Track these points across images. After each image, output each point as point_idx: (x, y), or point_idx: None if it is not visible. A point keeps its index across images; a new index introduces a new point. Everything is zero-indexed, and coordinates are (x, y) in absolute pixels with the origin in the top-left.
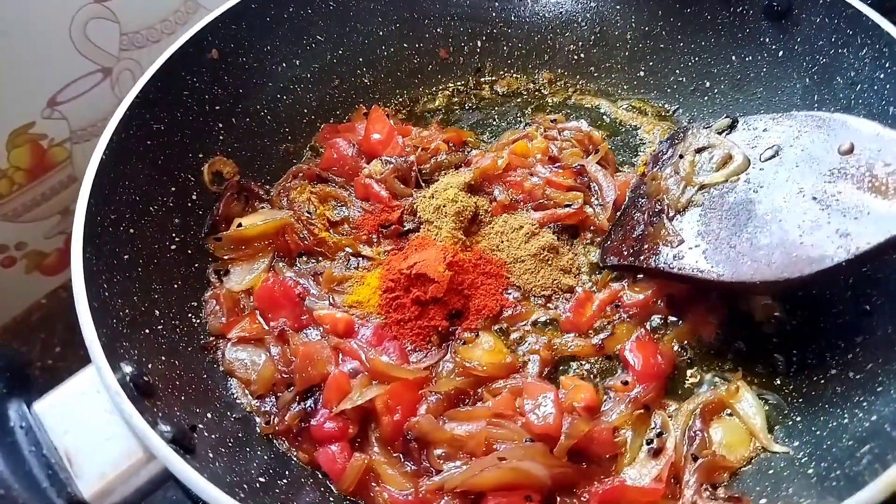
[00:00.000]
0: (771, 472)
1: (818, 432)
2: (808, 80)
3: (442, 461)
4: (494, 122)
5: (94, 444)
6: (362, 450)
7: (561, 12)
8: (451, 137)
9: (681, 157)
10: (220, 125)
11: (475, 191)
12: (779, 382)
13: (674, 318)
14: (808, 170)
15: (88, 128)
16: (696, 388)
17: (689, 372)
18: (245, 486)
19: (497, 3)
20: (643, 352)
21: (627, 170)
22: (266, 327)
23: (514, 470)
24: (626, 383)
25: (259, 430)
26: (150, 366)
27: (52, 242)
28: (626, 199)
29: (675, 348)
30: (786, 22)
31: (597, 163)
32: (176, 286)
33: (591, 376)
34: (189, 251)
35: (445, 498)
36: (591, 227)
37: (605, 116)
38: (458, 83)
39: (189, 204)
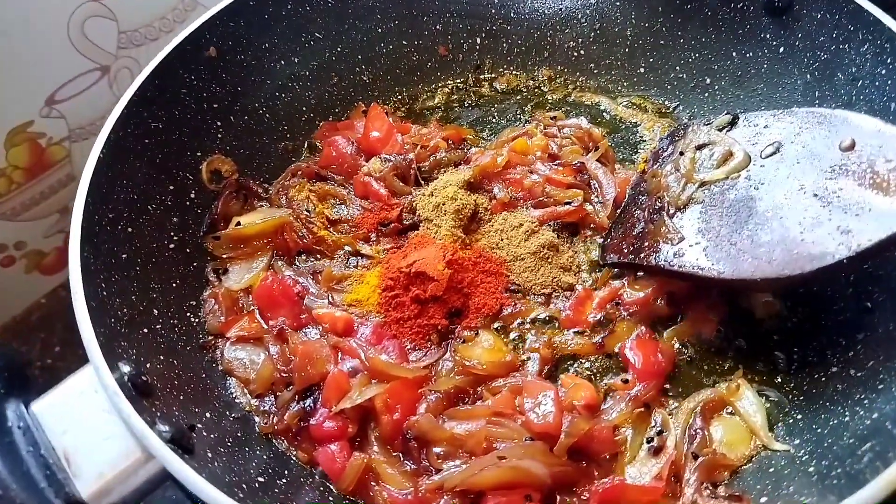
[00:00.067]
0: (772, 470)
1: (819, 430)
2: (809, 76)
3: (441, 460)
4: (494, 120)
5: (93, 444)
6: (362, 449)
7: (560, 9)
8: (450, 135)
9: (681, 154)
10: (219, 123)
11: (475, 188)
12: (780, 380)
13: (674, 316)
14: (809, 166)
15: (87, 126)
16: (697, 386)
17: (689, 370)
18: (244, 485)
19: (496, 0)
20: (643, 350)
21: (628, 167)
22: (265, 326)
23: (514, 469)
24: (626, 381)
25: (258, 430)
26: (148, 365)
27: (51, 241)
28: (627, 196)
29: (676, 346)
30: (787, 18)
31: (597, 160)
32: (174, 285)
33: (592, 375)
34: (187, 250)
35: (445, 497)
36: (592, 225)
37: (605, 113)
38: (458, 80)
39: (187, 202)
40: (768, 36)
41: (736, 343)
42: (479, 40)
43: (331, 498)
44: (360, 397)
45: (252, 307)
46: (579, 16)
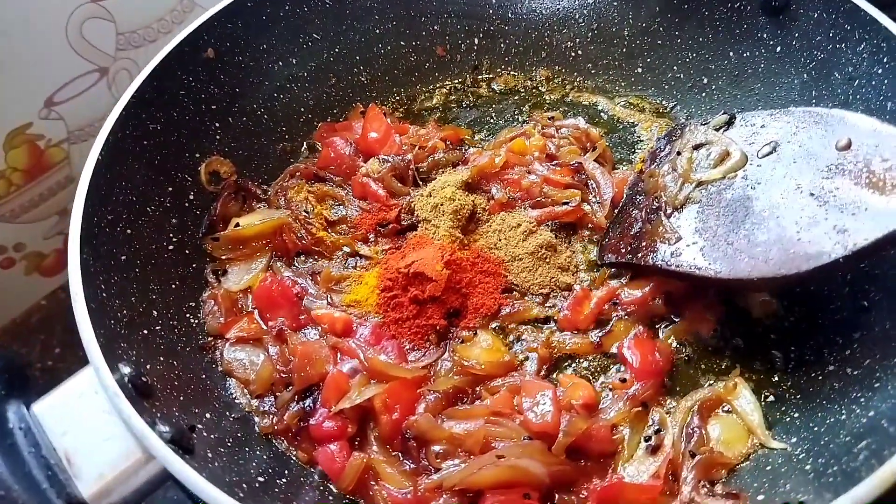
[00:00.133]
0: (769, 468)
1: (816, 428)
2: (805, 75)
3: (440, 459)
4: (492, 120)
5: (93, 445)
6: (361, 449)
7: (558, 9)
8: (448, 135)
9: (678, 153)
10: (217, 124)
11: (473, 189)
12: (777, 379)
13: (672, 316)
14: (806, 166)
15: (86, 128)
16: (694, 385)
17: (687, 369)
18: (244, 485)
19: (494, 0)
20: (641, 349)
21: (625, 167)
22: (264, 327)
23: (513, 468)
24: (624, 381)
25: (258, 430)
26: (148, 366)
27: (50, 243)
28: (624, 196)
29: (674, 345)
30: (783, 17)
31: (594, 160)
32: (174, 286)
33: (590, 374)
34: (187, 251)
35: (444, 496)
36: (589, 225)
37: (602, 113)
38: (456, 81)
39: (186, 204)
40: (765, 35)
41: (733, 342)
42: (476, 41)
43: (331, 497)
44: (360, 397)
45: (251, 308)
46: (577, 16)
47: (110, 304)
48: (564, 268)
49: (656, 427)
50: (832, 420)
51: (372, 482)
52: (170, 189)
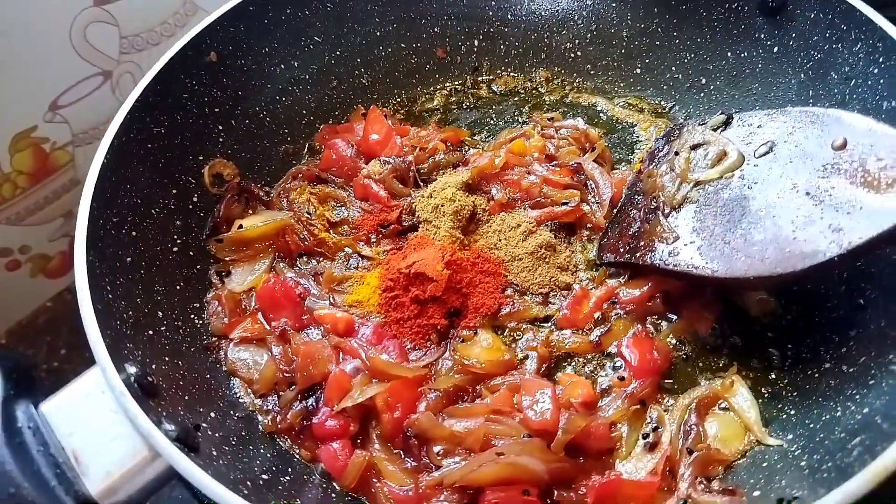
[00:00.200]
0: (765, 464)
1: (811, 425)
2: (802, 75)
3: (441, 457)
4: (492, 121)
5: (100, 444)
6: (363, 447)
7: (557, 10)
8: (448, 137)
9: (676, 154)
10: (220, 127)
11: (473, 190)
12: (774, 377)
13: (670, 315)
14: (802, 165)
15: (90, 131)
16: (692, 383)
17: (685, 367)
18: (248, 482)
19: (493, 2)
20: (640, 348)
21: (624, 167)
22: (268, 327)
23: (512, 465)
24: (622, 379)
25: (262, 429)
26: (153, 366)
27: (55, 245)
28: (623, 196)
29: (672, 344)
30: (781, 18)
31: (593, 160)
32: (178, 287)
33: (589, 372)
34: (191, 253)
35: (445, 493)
36: (588, 225)
37: (601, 114)
38: (456, 83)
39: (190, 206)
40: (762, 36)
41: (731, 340)
42: (476, 42)
43: (333, 495)
44: (362, 396)
45: (255, 309)
46: (576, 17)
47: (116, 305)
48: (564, 267)
49: (654, 424)
50: (827, 417)
51: (374, 480)
52: (174, 191)
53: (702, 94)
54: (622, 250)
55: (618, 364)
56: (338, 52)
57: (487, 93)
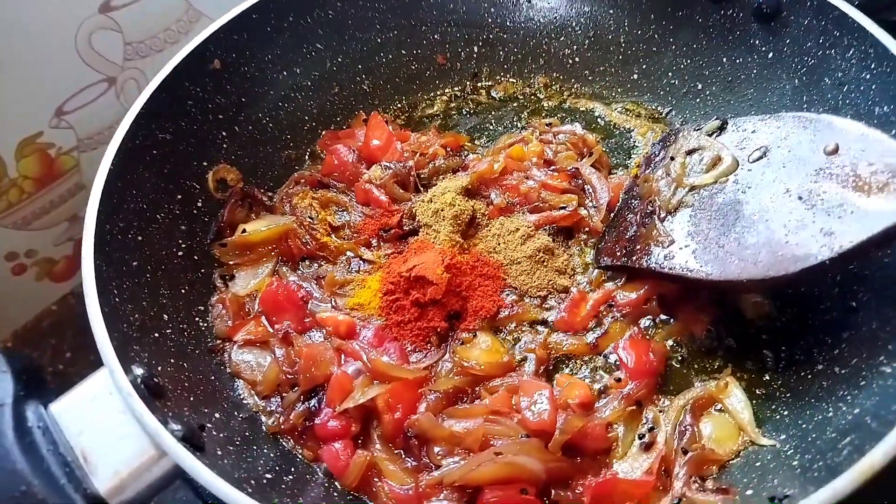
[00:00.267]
0: (758, 464)
1: (804, 425)
2: (797, 80)
3: (441, 457)
4: (491, 127)
5: (108, 444)
6: (364, 447)
7: (555, 17)
8: (448, 142)
9: (672, 158)
10: (224, 133)
11: (472, 194)
12: (768, 378)
13: (665, 317)
14: (795, 170)
15: (95, 136)
16: (688, 385)
17: (680, 369)
18: (252, 481)
19: (493, 10)
20: (636, 350)
21: (621, 172)
22: (271, 330)
23: (510, 464)
24: (619, 380)
25: (265, 429)
26: (159, 368)
27: (60, 249)
28: (620, 200)
29: (667, 346)
30: (775, 24)
31: (591, 165)
32: (183, 291)
33: (586, 374)
34: (195, 257)
35: (444, 492)
36: (586, 229)
37: (599, 119)
38: (456, 88)
39: (195, 211)
40: (757, 42)
41: (726, 342)
42: (476, 49)
43: (335, 494)
44: (363, 397)
45: (258, 312)
46: (573, 24)
47: (123, 308)
48: (562, 271)
49: (650, 425)
50: (820, 417)
51: (375, 479)
52: (179, 197)
53: (698, 100)
54: (619, 254)
55: (614, 366)
56: (339, 59)
57: (487, 98)
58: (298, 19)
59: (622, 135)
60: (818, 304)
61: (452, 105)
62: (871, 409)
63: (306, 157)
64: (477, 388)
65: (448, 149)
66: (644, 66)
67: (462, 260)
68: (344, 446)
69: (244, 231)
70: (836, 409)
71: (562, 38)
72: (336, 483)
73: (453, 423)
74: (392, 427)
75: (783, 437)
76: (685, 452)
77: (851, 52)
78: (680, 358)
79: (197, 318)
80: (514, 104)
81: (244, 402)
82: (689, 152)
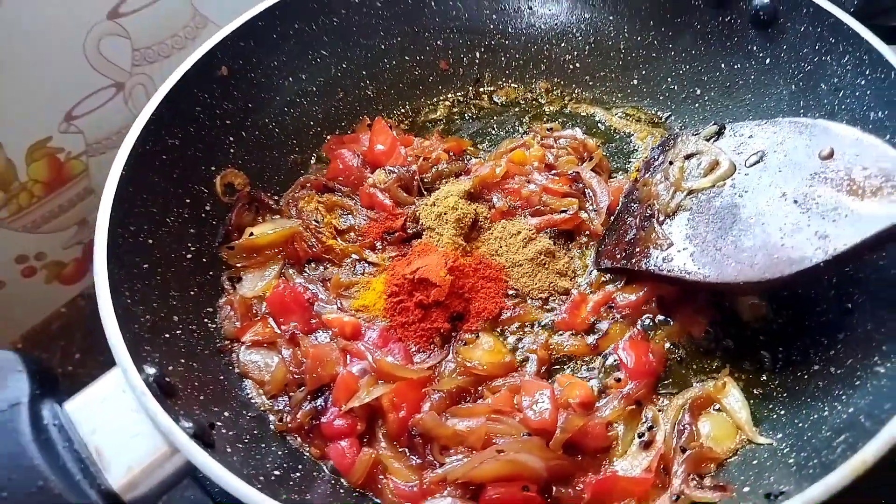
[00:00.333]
0: (755, 462)
1: (800, 424)
2: (794, 86)
3: (444, 455)
4: (493, 132)
5: (121, 441)
6: (370, 445)
7: (556, 24)
8: (451, 147)
9: (671, 163)
10: (231, 139)
11: (475, 198)
12: (765, 378)
13: (664, 318)
14: (791, 174)
15: (103, 141)
16: (686, 385)
17: (679, 369)
18: (261, 478)
19: (495, 16)
20: (635, 350)
21: (621, 176)
22: (278, 331)
23: (512, 462)
24: (619, 380)
25: (273, 428)
26: (170, 368)
27: (69, 252)
28: (620, 204)
29: (667, 347)
30: (772, 31)
31: (591, 169)
32: (192, 293)
33: (586, 374)
34: (204, 260)
35: (448, 489)
36: (586, 232)
37: (599, 124)
38: (458, 94)
39: (203, 215)
40: (755, 48)
41: (724, 344)
42: (478, 55)
43: (341, 490)
44: (368, 396)
45: (265, 313)
46: (574, 30)
47: (134, 309)
48: (563, 273)
49: (649, 424)
50: (815, 417)
51: (380, 476)
52: (187, 201)
53: (697, 105)
54: (619, 256)
55: (615, 366)
56: (344, 66)
57: (489, 104)
58: (304, 26)
59: (622, 139)
60: (814, 306)
61: (455, 110)
62: (865, 408)
63: (312, 162)
64: (479, 388)
65: (451, 153)
66: (644, 72)
67: (465, 262)
68: (350, 444)
69: (251, 234)
70: (832, 409)
71: (563, 45)
72: (342, 480)
73: (456, 421)
74: (397, 426)
75: (780, 435)
76: (684, 451)
77: (846, 58)
78: (679, 358)
79: (206, 320)
80: (516, 109)
81: (252, 401)
82: (688, 157)
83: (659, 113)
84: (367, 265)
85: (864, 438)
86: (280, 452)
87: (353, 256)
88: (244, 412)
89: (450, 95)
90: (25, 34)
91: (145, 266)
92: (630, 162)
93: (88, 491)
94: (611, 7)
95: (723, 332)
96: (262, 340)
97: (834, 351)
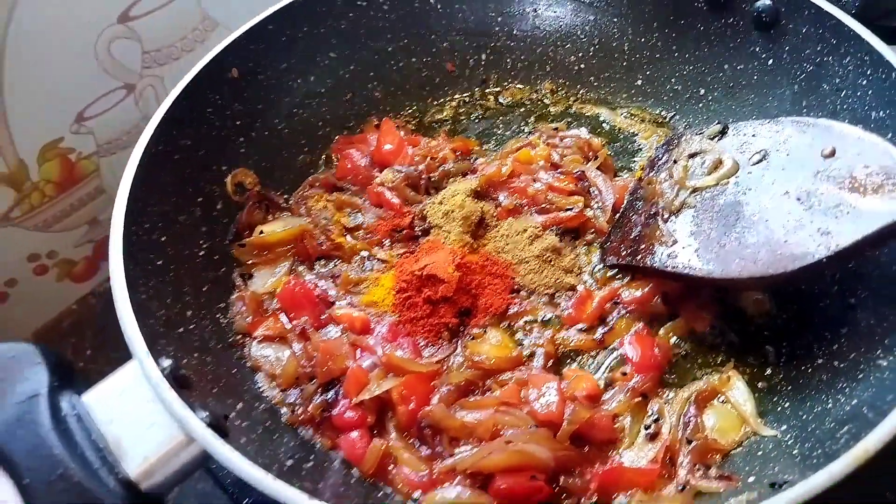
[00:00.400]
0: (759, 453)
1: (804, 416)
2: (796, 86)
3: (454, 445)
4: (499, 131)
5: (138, 431)
6: (380, 436)
7: (561, 25)
8: (458, 146)
9: (675, 162)
10: (242, 139)
11: (481, 196)
12: (769, 372)
13: (669, 314)
14: (794, 173)
15: (114, 141)
16: (692, 378)
17: (684, 363)
18: (275, 467)
19: (500, 18)
20: (641, 345)
21: (626, 175)
22: (289, 326)
23: (520, 452)
24: (625, 374)
25: (285, 420)
26: (185, 361)
27: (80, 251)
28: (625, 202)
29: (672, 341)
30: (774, 32)
31: (596, 168)
32: (205, 289)
33: (592, 368)
34: (216, 257)
35: (458, 478)
36: (592, 230)
37: (604, 124)
38: (465, 95)
39: (214, 213)
40: (758, 49)
41: (728, 338)
42: (484, 56)
43: (352, 480)
44: (378, 389)
45: (276, 309)
46: (579, 32)
47: (149, 304)
48: (569, 269)
49: (655, 416)
50: (819, 409)
51: (391, 466)
52: (199, 199)
53: (700, 105)
54: (624, 253)
55: (621, 360)
56: (352, 67)
57: (495, 104)
58: (312, 29)
59: (627, 139)
60: (818, 302)
61: (461, 111)
62: (868, 400)
63: (321, 162)
64: (487, 382)
65: (457, 153)
66: (648, 73)
67: (472, 259)
68: (360, 436)
69: (261, 232)
70: (835, 401)
71: (567, 46)
72: (353, 470)
73: (465, 413)
74: (406, 417)
75: (784, 427)
76: (689, 442)
77: (848, 59)
78: (684, 353)
79: (218, 315)
80: (522, 109)
81: (264, 394)
82: (692, 156)
83: (663, 113)
84: (376, 262)
85: (867, 429)
86: (292, 443)
87: (363, 253)
88: (256, 404)
89: (456, 96)
90: (38, 38)
91: (159, 263)
92: (634, 161)
93: (107, 479)
94: (615, 9)
95: (727, 328)
96: (273, 335)
97: (837, 345)
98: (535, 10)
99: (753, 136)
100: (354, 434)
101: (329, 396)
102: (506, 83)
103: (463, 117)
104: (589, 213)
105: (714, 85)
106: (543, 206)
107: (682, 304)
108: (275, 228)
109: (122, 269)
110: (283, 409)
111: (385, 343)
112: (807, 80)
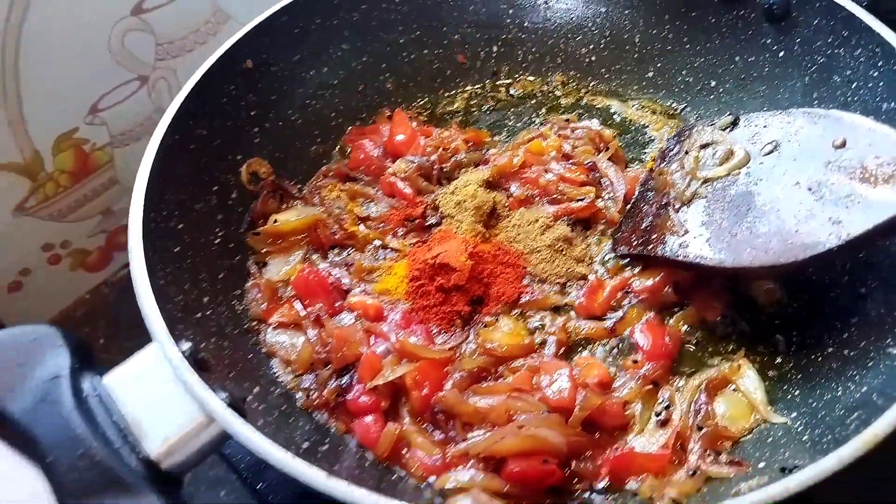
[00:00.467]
0: (770, 440)
1: (814, 404)
2: (807, 78)
3: (467, 430)
4: (511, 123)
5: (158, 412)
6: (394, 421)
7: (572, 18)
8: (469, 137)
9: (686, 153)
10: (256, 129)
11: (493, 187)
12: (780, 360)
13: (681, 303)
14: (805, 163)
15: (127, 132)
16: (702, 367)
17: (695, 352)
18: (291, 449)
19: (511, 11)
20: (652, 333)
21: (637, 166)
22: (303, 313)
23: (533, 437)
24: (636, 362)
25: (300, 404)
26: (202, 345)
27: (94, 241)
28: (636, 192)
29: (683, 330)
30: (785, 24)
31: (608, 159)
32: (221, 276)
33: (604, 356)
34: (231, 245)
35: (471, 462)
36: (603, 220)
37: (615, 115)
38: (476, 86)
39: (229, 202)
40: (769, 41)
41: (739, 327)
42: (495, 49)
43: (366, 463)
44: (392, 375)
45: (290, 296)
46: (590, 24)
47: (168, 290)
48: (580, 259)
49: (666, 403)
50: (829, 396)
51: (404, 449)
52: (215, 189)
53: (711, 97)
54: (635, 243)
55: (632, 348)
56: (364, 59)
57: (506, 96)
58: (325, 22)
59: (638, 130)
60: (828, 291)
61: (473, 102)
62: (878, 387)
63: (334, 152)
64: (500, 369)
65: (469, 144)
66: (659, 65)
67: (484, 248)
68: (375, 420)
69: (276, 221)
70: (845, 389)
71: (578, 38)
72: (367, 453)
73: (478, 399)
74: (420, 403)
75: (794, 414)
76: (700, 429)
77: (859, 50)
78: (695, 341)
79: (234, 302)
80: (533, 101)
81: (279, 378)
82: (703, 146)
83: (674, 105)
84: (389, 251)
85: (877, 414)
86: (307, 427)
87: (376, 242)
88: (272, 389)
89: (468, 88)
90: (53, 31)
91: (176, 250)
92: (645, 153)
93: (128, 458)
94: (626, 1)
95: (738, 317)
96: (287, 322)
97: (847, 334)
98: (546, 3)
99: (765, 127)
100: (369, 418)
101: (343, 381)
102: (517, 75)
103: (474, 109)
104: (600, 203)
105: (725, 77)
106: (555, 196)
107: (693, 294)
108: (289, 217)
109: (143, 255)
110: (299, 394)
111: (398, 330)
112: (818, 72)
